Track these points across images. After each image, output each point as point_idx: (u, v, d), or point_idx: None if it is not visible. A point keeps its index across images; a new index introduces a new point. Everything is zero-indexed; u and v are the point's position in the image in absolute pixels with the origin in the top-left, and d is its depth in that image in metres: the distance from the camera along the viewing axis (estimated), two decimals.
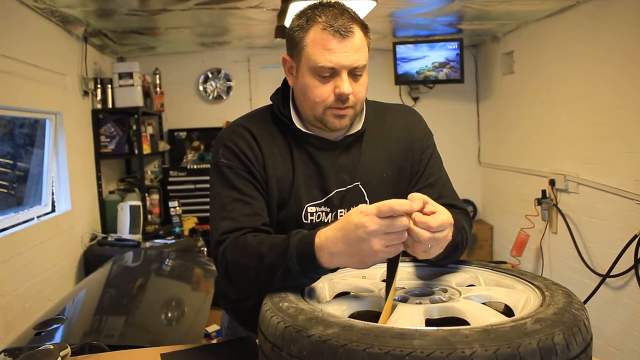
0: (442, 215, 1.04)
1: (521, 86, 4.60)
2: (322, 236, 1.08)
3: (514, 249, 4.43)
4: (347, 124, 1.34)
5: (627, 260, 3.12)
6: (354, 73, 1.28)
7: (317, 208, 1.36)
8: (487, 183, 5.49)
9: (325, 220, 1.36)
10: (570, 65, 3.77)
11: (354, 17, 1.28)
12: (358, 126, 1.39)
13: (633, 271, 3.08)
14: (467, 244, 1.28)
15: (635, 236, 3.03)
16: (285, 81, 1.43)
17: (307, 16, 1.28)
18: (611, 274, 3.27)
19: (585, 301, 3.27)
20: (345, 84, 1.26)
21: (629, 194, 3.17)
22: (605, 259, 3.36)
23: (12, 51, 2.93)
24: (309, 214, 1.35)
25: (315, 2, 1.32)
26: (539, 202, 4.11)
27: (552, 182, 4.01)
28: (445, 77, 5.07)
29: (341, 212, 1.37)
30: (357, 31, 1.27)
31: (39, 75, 3.29)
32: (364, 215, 1.00)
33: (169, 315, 2.62)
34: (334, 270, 1.14)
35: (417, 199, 1.03)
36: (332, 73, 1.27)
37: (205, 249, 4.39)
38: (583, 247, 3.69)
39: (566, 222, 3.86)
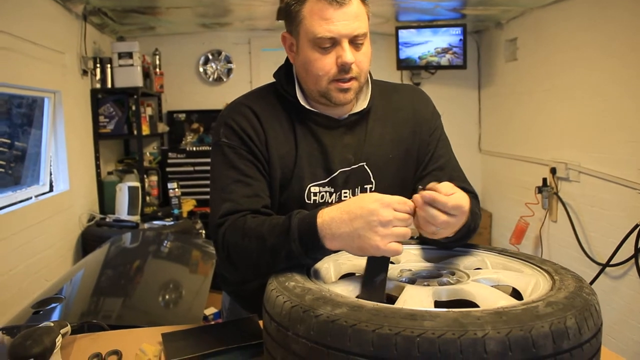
0: (460, 199, 1.03)
1: (524, 73, 4.57)
2: (326, 216, 1.06)
3: (513, 237, 4.42)
4: (352, 97, 1.30)
5: (628, 249, 3.11)
6: (355, 42, 1.25)
7: (321, 188, 1.33)
8: (487, 170, 5.47)
9: (329, 201, 1.34)
10: (574, 52, 3.74)
11: None
12: (364, 104, 1.36)
13: (633, 260, 3.08)
14: (477, 229, 1.26)
15: (637, 225, 3.02)
16: (288, 59, 1.40)
17: None
18: (611, 263, 3.27)
19: None
20: (347, 53, 1.23)
21: (631, 183, 3.16)
22: (605, 248, 3.35)
23: (10, 27, 2.88)
24: (312, 194, 1.33)
25: None
26: (540, 190, 4.09)
27: (553, 171, 4.00)
28: (448, 63, 5.04)
29: (345, 193, 1.35)
30: None
31: (37, 52, 3.24)
32: (380, 204, 0.99)
33: (167, 297, 2.60)
34: (338, 250, 1.11)
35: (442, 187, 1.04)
36: (333, 43, 1.24)
37: (204, 232, 4.37)
38: (583, 236, 3.69)
39: (567, 210, 3.85)
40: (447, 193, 1.02)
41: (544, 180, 4.07)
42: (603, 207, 3.48)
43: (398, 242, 1.00)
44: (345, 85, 1.27)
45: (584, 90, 3.64)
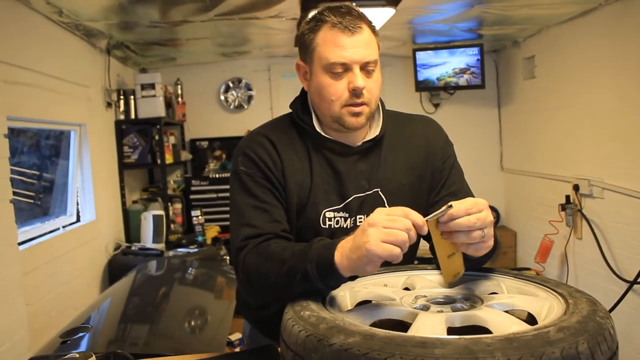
0: (468, 199, 1.06)
1: (543, 91, 4.55)
2: (343, 240, 1.10)
3: (538, 256, 4.37)
4: (363, 122, 1.35)
5: None
6: (366, 69, 1.31)
7: (335, 213, 1.37)
8: (509, 189, 5.44)
9: (344, 226, 1.38)
10: (593, 68, 3.72)
11: (361, 16, 1.32)
12: (376, 131, 1.41)
13: None
14: (498, 246, 1.27)
15: None
16: (303, 89, 1.44)
17: (316, 19, 1.33)
18: (639, 280, 3.21)
19: (612, 308, 3.22)
20: (358, 78, 1.29)
21: None
22: (632, 265, 3.30)
23: (38, 65, 2.99)
24: (327, 219, 1.37)
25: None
26: (563, 207, 4.05)
27: (576, 187, 3.96)
28: (466, 83, 5.04)
29: (360, 218, 1.38)
30: (365, 28, 1.31)
31: (64, 88, 3.35)
32: (375, 212, 1.03)
33: (192, 323, 2.63)
34: (352, 279, 1.13)
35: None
36: (345, 69, 1.30)
37: (228, 258, 4.41)
38: (609, 252, 3.63)
39: (591, 227, 3.80)
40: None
41: (567, 197, 4.03)
42: (628, 223, 3.43)
43: (392, 240, 1.00)
44: (357, 109, 1.32)
45: (604, 105, 3.61)
